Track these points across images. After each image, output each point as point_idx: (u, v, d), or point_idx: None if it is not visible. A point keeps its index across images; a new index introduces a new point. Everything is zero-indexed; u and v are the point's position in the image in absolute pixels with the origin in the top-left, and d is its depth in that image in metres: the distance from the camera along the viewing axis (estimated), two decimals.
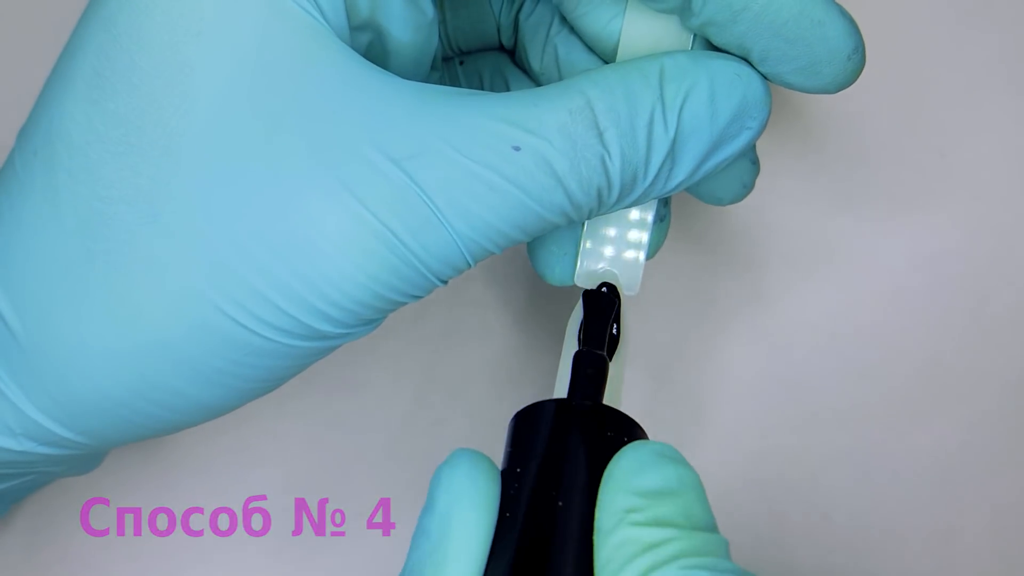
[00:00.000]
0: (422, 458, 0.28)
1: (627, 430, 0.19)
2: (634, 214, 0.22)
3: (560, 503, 0.17)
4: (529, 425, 0.19)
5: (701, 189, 0.22)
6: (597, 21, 0.21)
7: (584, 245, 0.22)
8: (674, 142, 0.18)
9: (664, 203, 0.22)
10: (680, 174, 0.19)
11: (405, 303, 0.19)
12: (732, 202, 0.22)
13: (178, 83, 0.17)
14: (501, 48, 0.25)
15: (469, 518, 0.17)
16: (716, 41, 0.19)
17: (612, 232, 0.22)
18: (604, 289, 0.22)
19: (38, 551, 0.28)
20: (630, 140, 0.18)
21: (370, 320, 0.19)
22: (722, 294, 0.28)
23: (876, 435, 0.27)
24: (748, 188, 0.22)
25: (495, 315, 0.28)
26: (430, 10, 0.20)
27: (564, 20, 0.22)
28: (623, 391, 0.22)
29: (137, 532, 0.28)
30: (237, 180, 0.17)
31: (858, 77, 0.19)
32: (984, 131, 0.28)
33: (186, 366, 0.18)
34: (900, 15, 0.28)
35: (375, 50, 0.20)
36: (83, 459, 0.22)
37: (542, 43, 0.23)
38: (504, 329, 0.28)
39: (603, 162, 0.18)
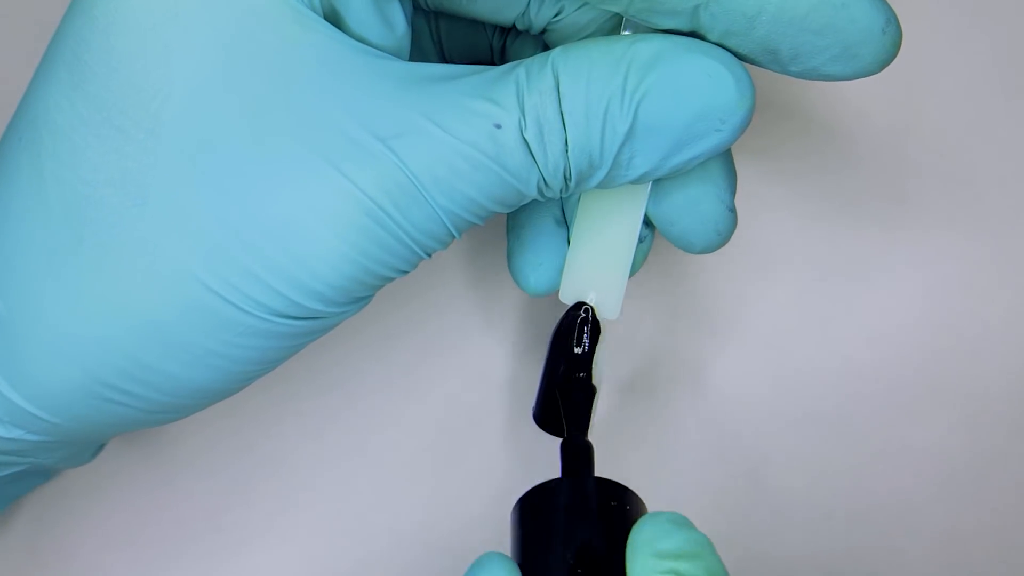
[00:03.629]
0: (421, 457, 0.28)
1: (627, 498, 0.20)
2: (616, 237, 0.22)
3: None
4: (537, 511, 0.20)
5: (674, 232, 0.22)
6: None
7: (568, 266, 0.22)
8: (630, 134, 0.18)
9: (646, 224, 0.22)
10: (642, 165, 0.18)
11: (393, 278, 0.19)
12: (704, 250, 0.22)
13: (157, 65, 0.17)
14: (496, 62, 0.25)
15: None
16: (740, 50, 0.18)
17: (594, 255, 0.22)
18: (583, 312, 0.22)
19: (39, 550, 0.28)
20: (584, 128, 0.18)
21: (359, 298, 0.19)
22: (720, 295, 0.28)
23: (876, 435, 0.27)
24: (723, 237, 0.22)
25: (497, 309, 0.28)
26: (400, 27, 0.19)
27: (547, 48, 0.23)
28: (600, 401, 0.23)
29: (137, 532, 0.28)
30: (223, 161, 0.17)
31: (899, 49, 0.18)
32: (983, 132, 0.28)
33: (178, 348, 0.18)
34: (898, 14, 0.28)
35: None
36: (77, 449, 0.22)
37: None
38: (505, 324, 0.28)
39: (565, 144, 0.18)
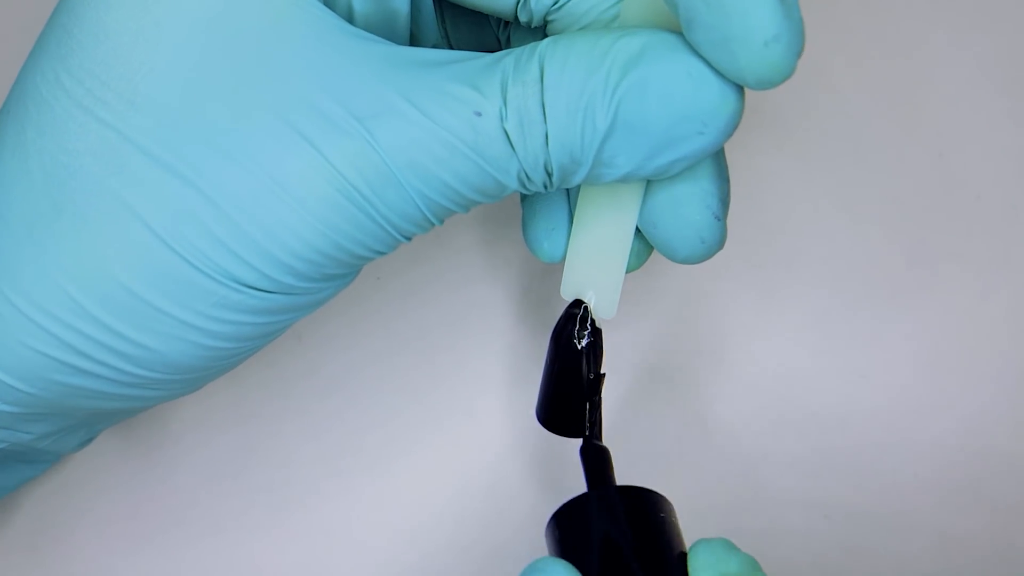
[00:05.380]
0: (421, 458, 0.28)
1: (661, 504, 0.21)
2: (612, 235, 0.22)
3: None
4: (577, 525, 0.20)
5: (656, 235, 0.21)
6: None
7: (568, 262, 0.22)
8: (610, 132, 0.17)
9: None
10: (624, 165, 0.18)
11: (370, 258, 0.19)
12: (687, 259, 0.21)
13: (144, 39, 0.17)
14: None
15: None
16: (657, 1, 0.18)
17: (591, 252, 0.22)
18: (580, 310, 0.22)
19: (39, 550, 0.28)
20: (565, 122, 0.17)
21: (336, 276, 0.19)
22: (720, 293, 0.28)
23: (876, 435, 0.27)
24: (707, 246, 0.20)
25: (495, 311, 0.28)
26: (403, 7, 0.20)
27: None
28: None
29: (138, 530, 0.28)
30: (202, 133, 0.17)
31: (781, 76, 0.16)
32: (982, 131, 0.28)
33: (152, 319, 0.18)
34: (897, 16, 0.28)
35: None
36: (59, 427, 0.22)
37: None
38: (503, 326, 0.28)
39: (545, 139, 0.18)
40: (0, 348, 0.19)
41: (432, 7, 0.22)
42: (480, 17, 0.24)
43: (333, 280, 0.19)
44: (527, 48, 0.18)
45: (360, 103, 0.17)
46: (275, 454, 0.28)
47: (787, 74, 0.16)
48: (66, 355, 0.19)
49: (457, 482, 0.28)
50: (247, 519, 0.28)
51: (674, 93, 0.17)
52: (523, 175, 0.18)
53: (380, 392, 0.28)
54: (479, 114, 0.17)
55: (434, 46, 0.23)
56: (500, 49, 0.24)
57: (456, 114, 0.17)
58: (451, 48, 0.24)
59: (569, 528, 0.20)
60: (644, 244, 0.23)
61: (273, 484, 0.28)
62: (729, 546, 0.20)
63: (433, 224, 0.19)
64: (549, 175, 0.18)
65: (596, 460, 0.21)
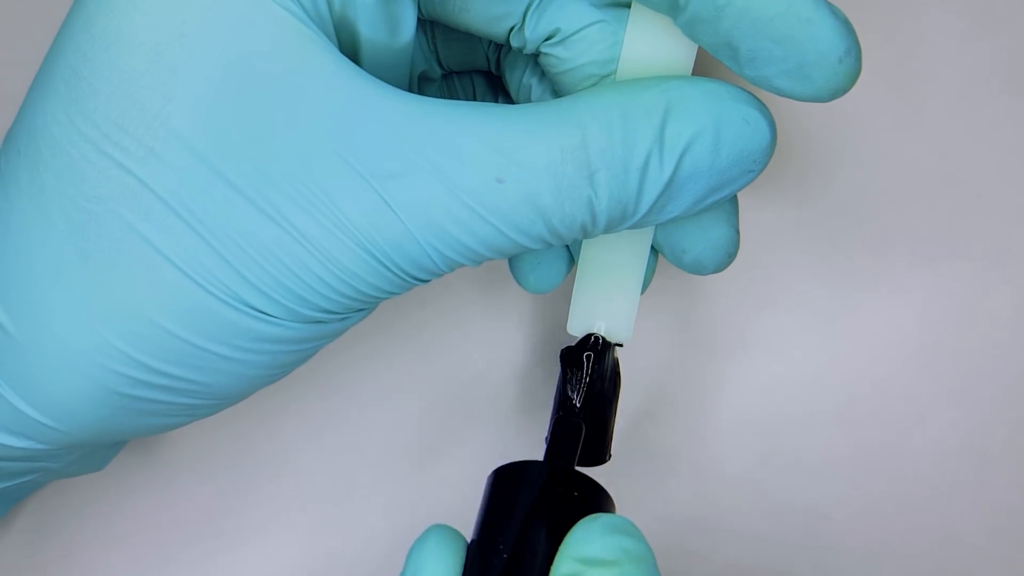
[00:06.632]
0: (422, 458, 0.28)
1: (593, 499, 0.20)
2: (625, 264, 0.22)
3: (514, 565, 0.18)
4: (502, 488, 0.20)
5: (686, 259, 0.22)
6: (573, 82, 0.21)
7: (576, 293, 0.22)
8: (669, 184, 0.18)
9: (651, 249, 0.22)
10: (675, 210, 0.18)
11: (387, 298, 0.19)
12: (715, 271, 0.22)
13: (160, 85, 0.17)
14: (493, 71, 0.25)
15: None
16: (705, 41, 0.18)
17: (602, 284, 0.22)
18: (592, 339, 0.22)
19: (39, 550, 0.28)
20: (621, 182, 0.18)
21: (359, 309, 0.19)
22: (720, 293, 0.28)
23: (876, 435, 0.27)
24: (732, 257, 0.22)
25: (497, 309, 0.28)
26: (409, 29, 0.19)
27: (537, 65, 0.22)
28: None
29: (138, 533, 0.28)
30: (221, 181, 0.17)
31: (853, 84, 0.17)
32: (984, 131, 0.28)
33: (190, 355, 0.18)
34: (898, 15, 0.28)
35: (345, 49, 0.19)
36: (88, 452, 0.22)
37: (518, 82, 0.23)
38: (506, 324, 0.28)
39: (590, 202, 0.18)
40: (36, 393, 0.19)
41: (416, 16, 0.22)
42: (471, 37, 0.24)
43: (359, 312, 0.20)
44: (552, 109, 0.18)
45: (380, 161, 0.17)
46: (276, 456, 0.28)
47: (857, 78, 0.17)
48: (106, 396, 0.19)
49: (460, 484, 0.28)
50: (247, 519, 0.28)
51: (735, 140, 0.18)
52: (548, 235, 0.18)
53: (380, 392, 0.28)
54: (501, 181, 0.17)
55: (425, 68, 0.23)
56: (489, 68, 0.24)
57: (478, 177, 0.17)
58: (439, 60, 0.24)
59: (498, 489, 0.20)
60: (653, 258, 0.23)
61: (273, 486, 0.28)
62: (609, 527, 0.18)
63: (446, 273, 0.19)
64: (584, 231, 0.18)
65: (561, 437, 0.21)
